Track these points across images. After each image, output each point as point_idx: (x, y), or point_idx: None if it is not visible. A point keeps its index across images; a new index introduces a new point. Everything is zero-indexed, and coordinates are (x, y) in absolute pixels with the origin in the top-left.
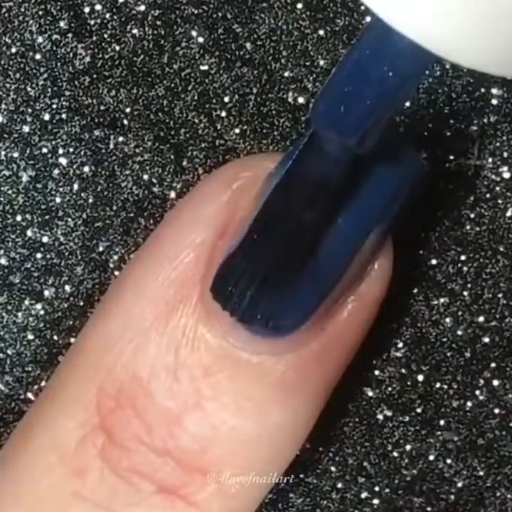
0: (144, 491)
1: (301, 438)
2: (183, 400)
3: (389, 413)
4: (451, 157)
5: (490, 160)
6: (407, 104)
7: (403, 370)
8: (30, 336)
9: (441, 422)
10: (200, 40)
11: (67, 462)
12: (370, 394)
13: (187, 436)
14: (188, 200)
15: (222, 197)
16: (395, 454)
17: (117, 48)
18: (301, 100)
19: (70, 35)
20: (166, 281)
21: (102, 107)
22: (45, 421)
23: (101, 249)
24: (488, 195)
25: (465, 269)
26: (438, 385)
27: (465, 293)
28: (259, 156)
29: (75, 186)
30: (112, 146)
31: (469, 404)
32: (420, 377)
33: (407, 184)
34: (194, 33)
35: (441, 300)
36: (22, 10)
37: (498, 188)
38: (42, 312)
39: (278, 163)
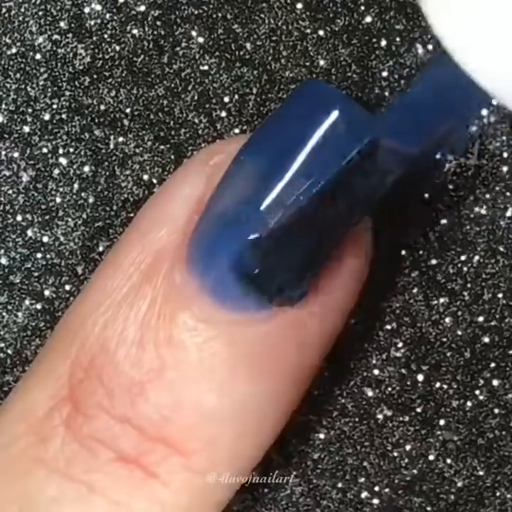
0: (103, 458)
1: (272, 420)
2: (147, 369)
3: (389, 413)
4: (451, 157)
5: (490, 160)
6: None
7: (403, 370)
8: (30, 336)
9: (441, 422)
10: (200, 40)
11: (33, 431)
12: (370, 394)
13: (148, 405)
14: (168, 181)
15: (199, 174)
16: (395, 453)
17: (117, 48)
18: None
19: (70, 35)
20: (140, 254)
21: (102, 107)
22: (21, 393)
23: (101, 249)
24: (488, 196)
25: (465, 269)
26: (438, 385)
27: (465, 293)
28: (226, 141)
29: (75, 186)
30: (112, 146)
31: (469, 404)
32: (420, 377)
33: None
34: (194, 33)
35: (441, 300)
36: (22, 10)
37: (498, 188)
38: (42, 312)
39: (244, 144)
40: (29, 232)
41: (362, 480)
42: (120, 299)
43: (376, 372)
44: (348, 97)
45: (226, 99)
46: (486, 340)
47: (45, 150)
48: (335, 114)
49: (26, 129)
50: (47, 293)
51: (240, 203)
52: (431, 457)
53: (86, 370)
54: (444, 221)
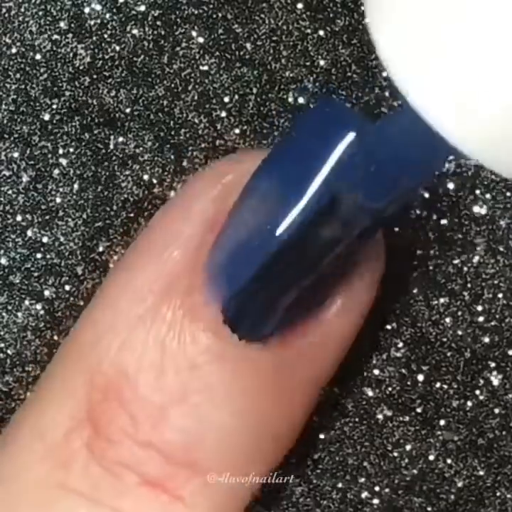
0: (129, 483)
1: (289, 433)
2: (169, 394)
3: (389, 413)
4: (451, 157)
5: None
6: None
7: (403, 370)
8: (30, 336)
9: (441, 422)
10: (200, 40)
11: (53, 454)
12: (370, 394)
13: (172, 430)
14: (177, 197)
15: (211, 192)
16: (395, 454)
17: (117, 48)
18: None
19: (70, 35)
20: (153, 275)
21: (102, 107)
22: (34, 414)
23: (101, 249)
24: (487, 196)
25: (465, 269)
26: (438, 385)
27: (465, 293)
28: (248, 152)
29: (75, 186)
30: (112, 146)
31: (469, 404)
32: (420, 377)
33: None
34: (194, 33)
35: (441, 300)
36: (22, 10)
37: (498, 188)
38: (42, 312)
39: (260, 164)
40: (29, 233)
41: (362, 480)
42: (135, 321)
43: (376, 372)
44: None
45: (226, 99)
46: (486, 340)
47: (45, 150)
48: (351, 136)
49: (26, 129)
50: (47, 293)
51: (258, 227)
52: (431, 457)
53: (104, 393)
54: (444, 221)
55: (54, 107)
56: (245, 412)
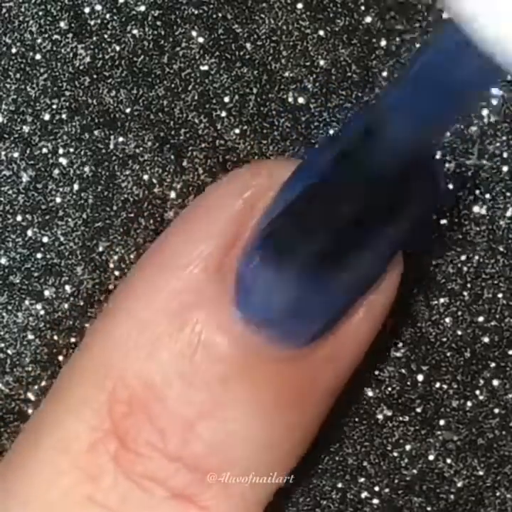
0: (158, 497)
1: (308, 439)
2: (197, 407)
3: (389, 413)
4: (451, 157)
5: (490, 160)
6: None
7: (403, 370)
8: (30, 336)
9: (441, 422)
10: (200, 40)
11: (80, 466)
12: (370, 394)
13: (201, 443)
14: (197, 207)
15: (234, 206)
16: (395, 453)
17: (117, 48)
18: (301, 100)
19: (70, 35)
20: (178, 287)
21: (102, 107)
22: (54, 424)
23: (101, 249)
24: (488, 195)
25: (465, 269)
26: (438, 385)
27: (465, 293)
28: (270, 163)
29: (75, 186)
30: (112, 146)
31: (469, 404)
32: (420, 377)
33: (429, 206)
34: (194, 33)
35: (441, 300)
36: (22, 10)
37: (498, 188)
38: (42, 312)
39: (292, 173)
40: (29, 232)
41: (362, 480)
42: (160, 331)
43: (376, 372)
44: None
45: (226, 99)
46: (486, 340)
47: (45, 150)
48: None
49: (26, 129)
50: (47, 293)
51: (294, 238)
52: (431, 457)
53: (128, 405)
54: (444, 221)
55: (54, 107)
56: (272, 424)
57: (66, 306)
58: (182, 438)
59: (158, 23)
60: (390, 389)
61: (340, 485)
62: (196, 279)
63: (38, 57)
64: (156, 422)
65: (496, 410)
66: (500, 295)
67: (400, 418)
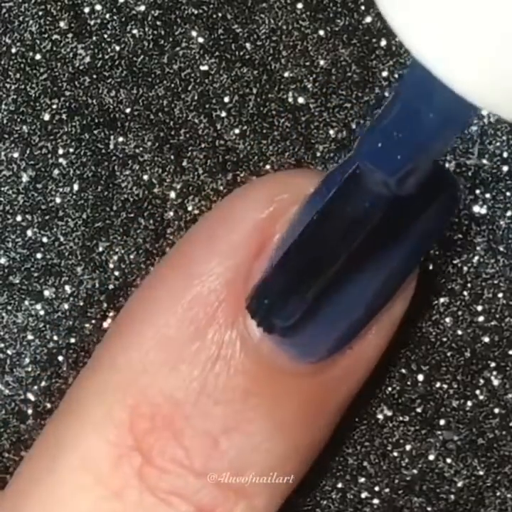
0: None
1: (321, 447)
2: (221, 423)
3: (389, 413)
4: (451, 157)
5: (490, 160)
6: None
7: (403, 370)
8: (30, 336)
9: (441, 422)
10: (200, 40)
11: (103, 483)
12: (370, 394)
13: (225, 458)
14: (220, 217)
15: (258, 218)
16: (395, 453)
17: (117, 48)
18: (301, 100)
19: (70, 35)
20: (199, 302)
21: (102, 107)
22: (74, 439)
23: (101, 249)
24: (488, 195)
25: (465, 269)
26: (438, 384)
27: (465, 293)
28: (295, 175)
29: (75, 186)
30: (112, 146)
31: (469, 404)
32: (420, 377)
33: (448, 219)
34: (194, 33)
35: (441, 300)
36: (22, 10)
37: (498, 188)
38: (42, 312)
39: (317, 187)
40: (29, 233)
41: (362, 480)
42: (181, 347)
43: (376, 372)
44: None
45: (226, 99)
46: (486, 340)
47: (45, 150)
48: None
49: (26, 129)
50: (47, 293)
51: (315, 253)
52: (431, 457)
53: (151, 421)
54: None
55: (54, 107)
56: (292, 437)
57: (66, 306)
58: (207, 454)
59: (158, 23)
60: (390, 389)
61: (340, 485)
62: (217, 293)
63: (38, 57)
64: (180, 438)
65: (496, 410)
66: (500, 295)
67: (400, 418)
